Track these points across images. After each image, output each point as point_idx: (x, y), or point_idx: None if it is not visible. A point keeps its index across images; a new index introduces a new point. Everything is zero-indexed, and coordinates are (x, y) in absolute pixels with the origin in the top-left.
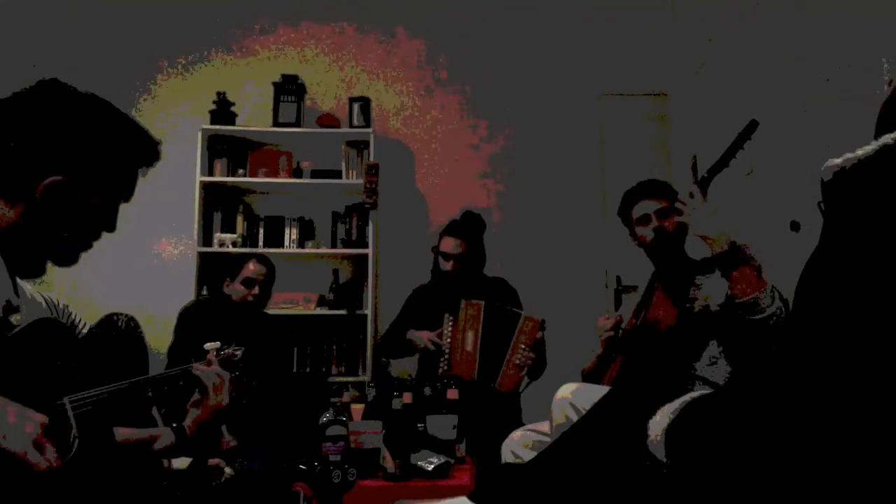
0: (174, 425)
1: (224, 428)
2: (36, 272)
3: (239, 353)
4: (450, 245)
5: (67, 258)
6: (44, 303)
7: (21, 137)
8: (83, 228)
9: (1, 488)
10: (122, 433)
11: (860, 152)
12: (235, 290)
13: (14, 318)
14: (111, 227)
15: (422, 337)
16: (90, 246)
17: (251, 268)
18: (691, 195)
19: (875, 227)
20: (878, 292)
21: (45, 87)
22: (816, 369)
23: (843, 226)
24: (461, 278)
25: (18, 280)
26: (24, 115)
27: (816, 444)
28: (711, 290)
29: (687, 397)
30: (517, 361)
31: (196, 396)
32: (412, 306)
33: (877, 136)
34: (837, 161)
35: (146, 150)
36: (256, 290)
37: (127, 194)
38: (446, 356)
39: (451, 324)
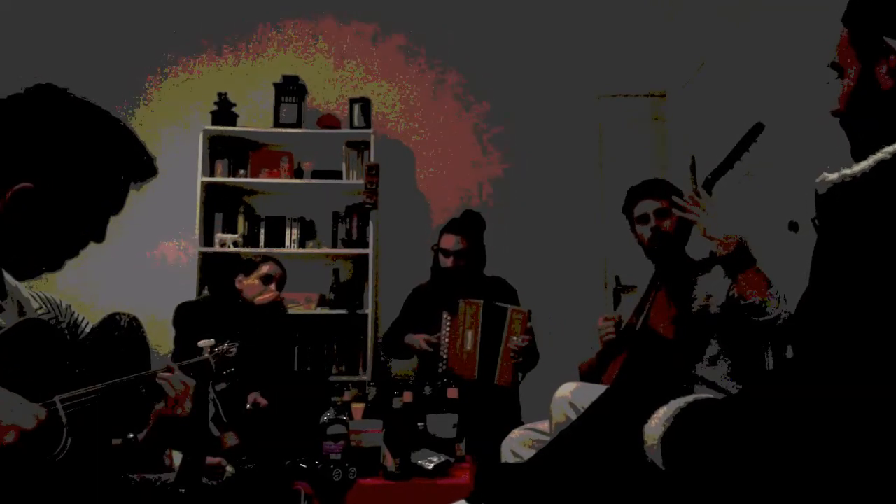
0: (129, 436)
1: (212, 425)
2: (26, 274)
3: (234, 349)
4: (450, 242)
5: (48, 263)
6: (35, 302)
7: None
8: (62, 236)
9: None
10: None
11: (857, 168)
12: (251, 285)
13: None
14: (98, 238)
15: (418, 340)
16: (76, 254)
17: (267, 268)
18: (698, 195)
19: (876, 243)
20: (884, 307)
21: (39, 91)
22: (822, 382)
23: (842, 241)
24: (461, 277)
25: (12, 281)
26: (8, 119)
27: (817, 454)
28: (711, 290)
29: (681, 402)
30: (511, 354)
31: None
32: (412, 305)
33: (843, 125)
34: (833, 176)
35: (138, 165)
36: (273, 286)
37: (115, 206)
38: (445, 356)
39: (448, 322)
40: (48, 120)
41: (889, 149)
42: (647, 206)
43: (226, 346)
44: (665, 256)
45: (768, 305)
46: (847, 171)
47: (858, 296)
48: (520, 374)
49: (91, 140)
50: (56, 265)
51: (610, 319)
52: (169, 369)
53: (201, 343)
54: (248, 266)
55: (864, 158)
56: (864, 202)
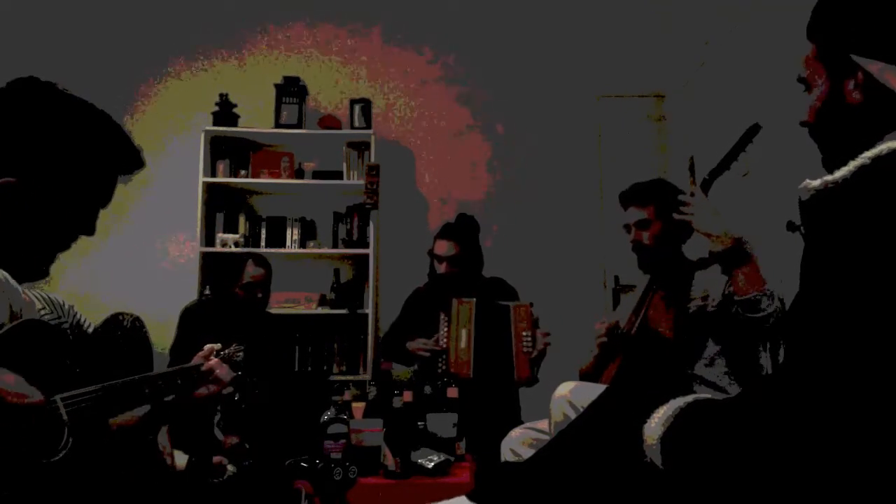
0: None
1: (217, 430)
2: (33, 275)
3: (241, 353)
4: (443, 248)
5: (40, 259)
6: (38, 302)
7: None
8: (50, 230)
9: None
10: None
11: (838, 174)
12: (237, 294)
13: None
14: (88, 231)
15: (417, 346)
16: (66, 247)
17: (249, 270)
18: (692, 195)
19: (859, 247)
20: (873, 311)
21: (21, 85)
22: (816, 385)
23: (826, 247)
24: (457, 280)
25: (11, 282)
26: None
27: (818, 455)
28: (709, 288)
29: (681, 402)
30: (525, 349)
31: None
32: (411, 307)
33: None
34: (815, 183)
35: (125, 158)
36: (259, 294)
37: (103, 199)
38: (444, 356)
39: (446, 323)
40: (31, 113)
41: (868, 154)
42: (629, 216)
43: (232, 349)
44: (647, 269)
45: (762, 302)
46: (829, 178)
47: (845, 300)
48: (535, 368)
49: (75, 133)
50: (48, 258)
51: (604, 324)
52: (208, 357)
53: (207, 347)
54: (233, 274)
55: (836, 168)
56: (847, 207)
